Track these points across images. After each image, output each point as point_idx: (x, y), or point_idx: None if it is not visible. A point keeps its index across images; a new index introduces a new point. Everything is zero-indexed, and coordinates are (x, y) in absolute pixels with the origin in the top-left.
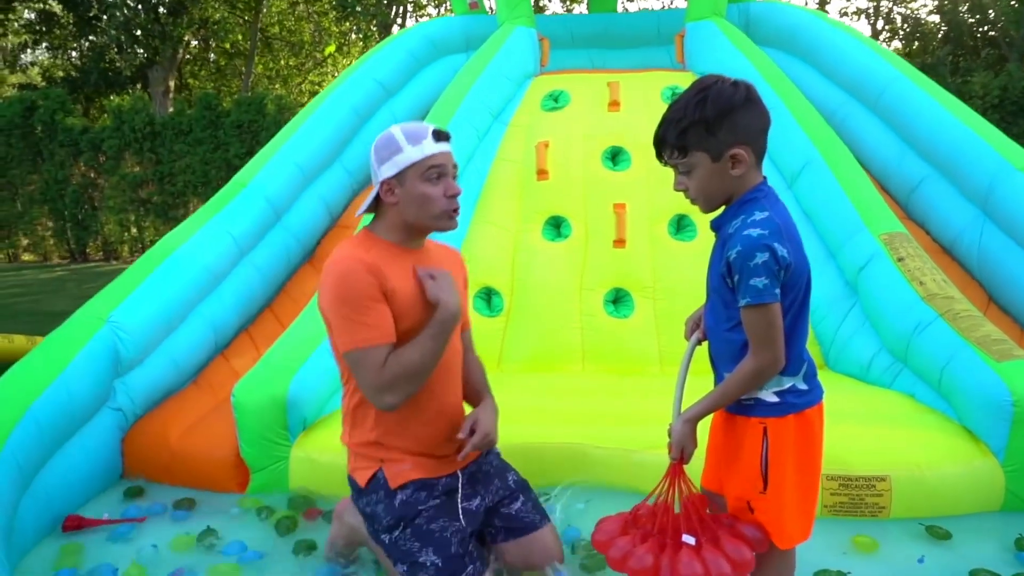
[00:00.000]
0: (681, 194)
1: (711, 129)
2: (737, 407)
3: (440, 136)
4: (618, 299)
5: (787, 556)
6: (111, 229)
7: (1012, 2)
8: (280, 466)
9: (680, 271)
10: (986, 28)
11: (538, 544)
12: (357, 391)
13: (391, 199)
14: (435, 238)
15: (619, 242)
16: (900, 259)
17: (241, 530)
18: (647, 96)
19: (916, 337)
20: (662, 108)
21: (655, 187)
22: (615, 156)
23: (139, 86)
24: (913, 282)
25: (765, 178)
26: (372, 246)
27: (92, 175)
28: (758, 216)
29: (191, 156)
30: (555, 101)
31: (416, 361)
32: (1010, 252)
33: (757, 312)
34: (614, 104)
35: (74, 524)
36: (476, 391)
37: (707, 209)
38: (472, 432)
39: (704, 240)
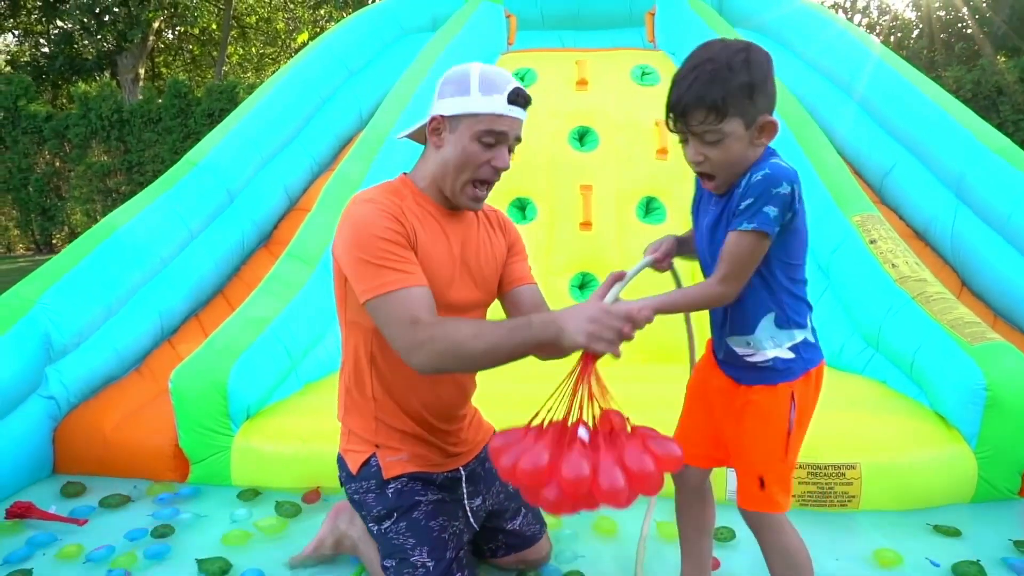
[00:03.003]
0: (650, 175)
1: (752, 94)
2: (757, 376)
3: (516, 100)
4: (584, 284)
5: (787, 520)
6: (78, 219)
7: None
8: (221, 457)
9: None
10: (959, 25)
11: (534, 553)
12: (357, 364)
13: (436, 140)
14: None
15: (585, 224)
16: (872, 241)
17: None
18: (616, 75)
19: (888, 320)
20: (632, 87)
21: (623, 168)
22: (583, 136)
23: (107, 73)
24: (885, 264)
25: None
26: (405, 195)
27: (57, 164)
28: (778, 158)
29: (160, 145)
30: (521, 80)
31: (467, 340)
32: (983, 236)
33: (753, 240)
34: (582, 83)
35: (20, 511)
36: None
37: (722, 186)
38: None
39: (673, 224)
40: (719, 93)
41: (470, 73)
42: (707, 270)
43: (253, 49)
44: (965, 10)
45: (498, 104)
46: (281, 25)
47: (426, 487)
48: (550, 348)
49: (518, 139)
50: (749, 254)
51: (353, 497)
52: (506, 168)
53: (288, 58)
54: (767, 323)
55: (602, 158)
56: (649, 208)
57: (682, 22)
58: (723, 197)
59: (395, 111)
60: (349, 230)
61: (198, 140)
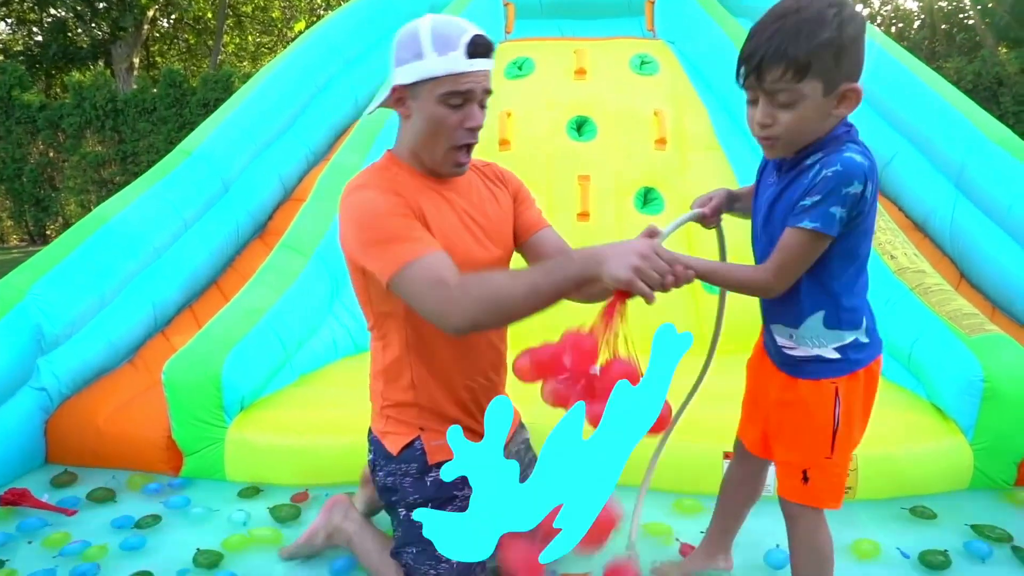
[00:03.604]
0: (648, 166)
1: (839, 55)
2: (801, 370)
3: (476, 51)
4: None
5: (825, 521)
6: (72, 210)
7: None
8: (215, 449)
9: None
10: (961, 16)
11: None
12: (392, 355)
13: (402, 111)
14: None
15: (583, 215)
16: None
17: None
18: (615, 64)
19: (886, 312)
20: (631, 77)
21: (622, 159)
22: (580, 126)
23: (102, 62)
24: (884, 255)
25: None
26: (397, 173)
27: (51, 154)
28: (855, 147)
29: (155, 135)
30: (519, 69)
31: (505, 285)
32: (983, 228)
33: (811, 239)
34: (580, 72)
35: (13, 497)
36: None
37: (786, 153)
38: None
39: (671, 215)
40: (803, 48)
41: (419, 32)
42: (757, 244)
43: (249, 38)
44: (967, 0)
45: (456, 61)
46: (277, 13)
47: (464, 480)
48: (590, 286)
49: (487, 91)
50: (805, 253)
51: (386, 480)
52: (479, 126)
53: (284, 48)
54: (815, 321)
55: (600, 148)
56: (647, 199)
57: (682, 11)
58: (786, 173)
59: None
60: (352, 220)
61: (193, 130)
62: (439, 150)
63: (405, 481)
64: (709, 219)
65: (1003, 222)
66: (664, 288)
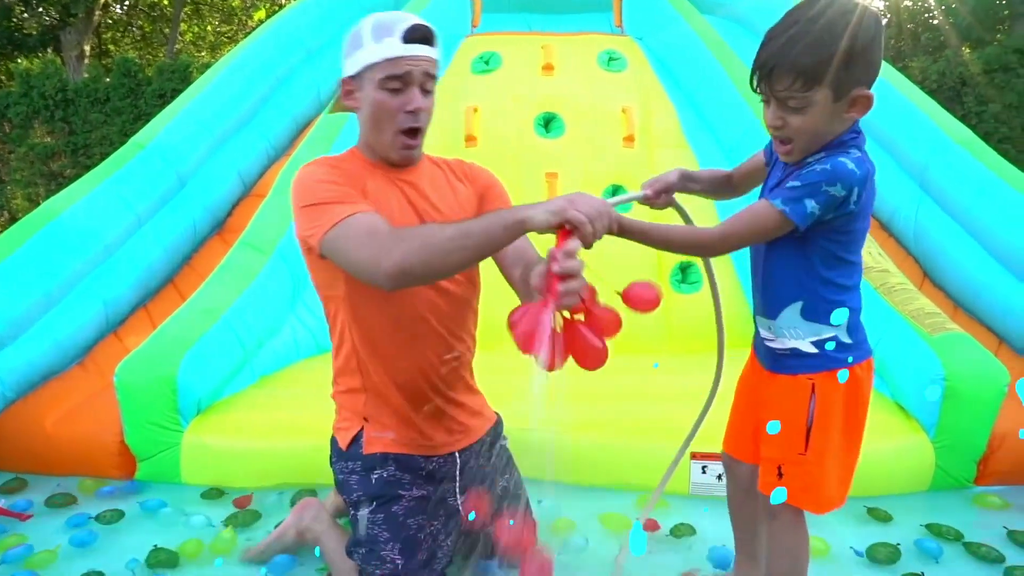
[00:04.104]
0: (617, 163)
1: (849, 63)
2: (780, 365)
3: (412, 36)
4: None
5: (803, 523)
6: (19, 204)
7: None
8: (170, 454)
9: (613, 243)
10: (926, 16)
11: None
12: (341, 337)
13: (352, 103)
14: None
15: None
16: None
17: None
18: (583, 60)
19: None
20: (598, 73)
21: (589, 156)
22: (548, 123)
23: (50, 50)
24: None
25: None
26: (348, 159)
27: None
28: (855, 154)
29: (108, 126)
30: (486, 64)
31: (433, 229)
32: (945, 228)
33: (776, 220)
34: (548, 67)
35: None
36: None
37: (796, 154)
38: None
39: (639, 212)
40: (811, 59)
41: (362, 26)
42: None
43: (208, 27)
44: (932, 0)
45: (392, 47)
46: (237, 2)
47: (413, 480)
48: (519, 231)
49: (430, 76)
50: (762, 228)
51: (338, 477)
52: (419, 108)
53: (245, 37)
54: (791, 312)
55: (568, 145)
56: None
57: (650, 7)
58: (791, 167)
59: None
60: (293, 192)
61: (148, 122)
62: (385, 136)
63: (352, 479)
64: (653, 200)
65: (965, 222)
66: (601, 227)
